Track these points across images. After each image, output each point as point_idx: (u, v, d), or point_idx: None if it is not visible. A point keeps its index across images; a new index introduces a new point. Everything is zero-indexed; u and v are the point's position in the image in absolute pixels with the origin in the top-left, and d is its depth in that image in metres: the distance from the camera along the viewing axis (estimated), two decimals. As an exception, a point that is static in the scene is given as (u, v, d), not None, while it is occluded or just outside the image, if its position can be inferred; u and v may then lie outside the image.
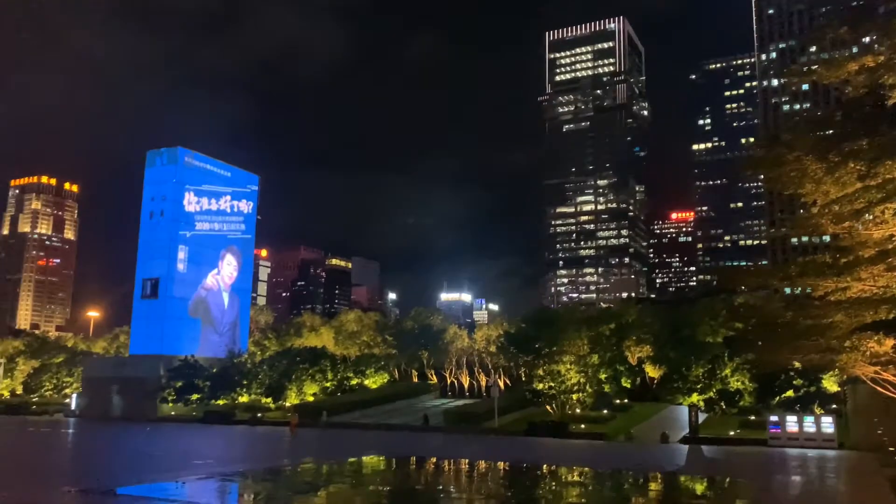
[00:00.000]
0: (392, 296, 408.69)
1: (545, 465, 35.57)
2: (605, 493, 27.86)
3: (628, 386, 70.95)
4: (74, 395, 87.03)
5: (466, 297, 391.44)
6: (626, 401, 67.81)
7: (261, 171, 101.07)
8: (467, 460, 37.29)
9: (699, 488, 28.76)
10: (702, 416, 59.43)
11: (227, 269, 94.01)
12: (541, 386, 63.24)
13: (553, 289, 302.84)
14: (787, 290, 67.19)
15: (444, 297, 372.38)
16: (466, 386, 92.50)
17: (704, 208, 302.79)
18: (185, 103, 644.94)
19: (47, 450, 43.05)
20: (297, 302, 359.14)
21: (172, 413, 76.77)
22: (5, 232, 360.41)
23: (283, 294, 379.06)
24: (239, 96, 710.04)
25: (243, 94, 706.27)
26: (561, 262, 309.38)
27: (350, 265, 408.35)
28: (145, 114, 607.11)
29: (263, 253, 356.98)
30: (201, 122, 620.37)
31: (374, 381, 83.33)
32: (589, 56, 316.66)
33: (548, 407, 63.02)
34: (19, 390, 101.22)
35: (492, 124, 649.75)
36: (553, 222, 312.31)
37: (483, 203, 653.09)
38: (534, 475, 32.34)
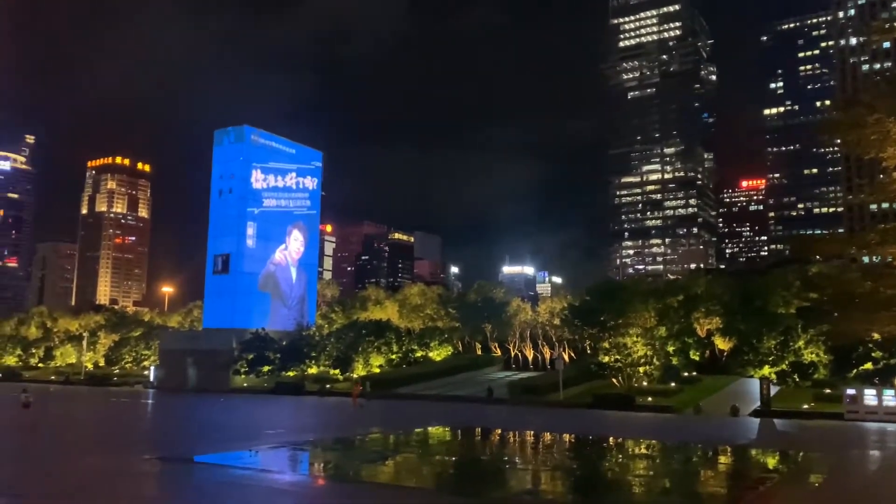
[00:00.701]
0: (454, 269, 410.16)
1: (611, 438, 35.34)
2: (673, 465, 27.51)
3: (696, 358, 69.62)
4: (152, 368, 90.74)
5: (529, 270, 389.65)
6: (694, 373, 66.65)
7: (324, 147, 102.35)
8: (532, 432, 37.34)
9: (771, 462, 28.09)
10: (774, 389, 57.89)
11: (294, 244, 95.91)
12: (606, 359, 62.71)
13: (618, 261, 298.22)
14: (865, 259, 64.48)
15: (507, 270, 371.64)
16: (530, 359, 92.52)
17: (776, 175, 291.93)
18: (249, 83, 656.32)
19: (128, 419, 45.14)
20: (362, 276, 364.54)
21: (245, 384, 79.25)
22: (84, 211, 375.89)
23: (348, 268, 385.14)
24: (301, 74, 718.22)
25: (305, 72, 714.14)
26: (626, 234, 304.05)
27: (412, 239, 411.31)
28: (212, 94, 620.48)
29: (328, 228, 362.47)
30: (266, 101, 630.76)
31: (438, 354, 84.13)
32: (654, 20, 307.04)
33: (613, 380, 62.49)
34: (102, 362, 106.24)
35: (553, 94, 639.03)
36: (618, 192, 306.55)
37: (545, 174, 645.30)
38: (600, 447, 32.19)
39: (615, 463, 27.44)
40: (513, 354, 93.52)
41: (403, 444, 31.71)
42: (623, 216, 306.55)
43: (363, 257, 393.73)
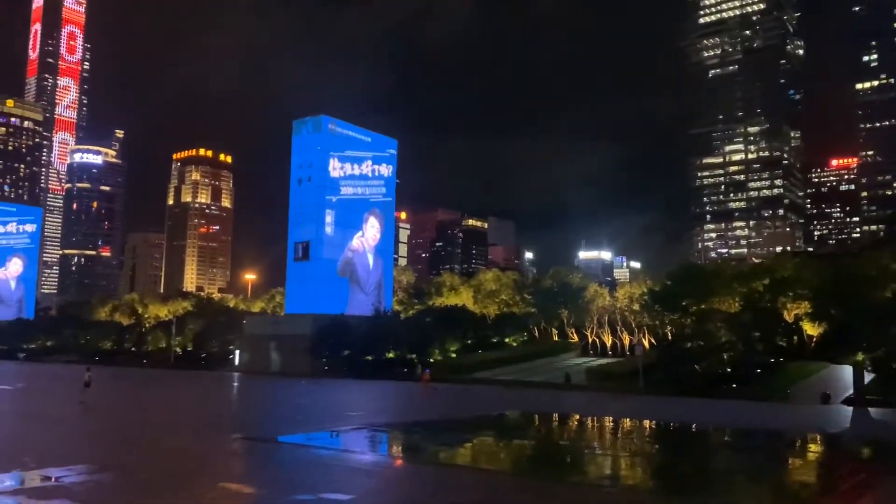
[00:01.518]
0: (528, 255, 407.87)
1: (694, 425, 34.45)
2: (760, 454, 26.59)
3: (783, 344, 66.97)
4: (237, 352, 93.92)
5: (606, 254, 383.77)
6: (780, 360, 64.18)
7: (398, 135, 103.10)
8: (612, 418, 36.79)
9: (865, 451, 26.79)
10: (868, 377, 55.16)
11: (371, 231, 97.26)
12: (688, 344, 61.13)
13: (700, 244, 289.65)
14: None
15: (583, 255, 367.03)
16: (609, 345, 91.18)
17: (870, 153, 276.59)
18: (326, 73, 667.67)
19: (216, 402, 46.92)
20: (436, 262, 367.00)
21: (325, 368, 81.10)
22: (170, 202, 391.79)
23: (422, 255, 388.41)
24: (376, 63, 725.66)
25: (380, 61, 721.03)
26: (708, 216, 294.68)
27: (486, 225, 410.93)
28: (291, 85, 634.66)
29: (403, 215, 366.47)
30: (342, 90, 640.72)
31: (513, 340, 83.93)
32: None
33: (696, 366, 60.86)
34: (190, 346, 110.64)
35: (630, 75, 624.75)
36: (699, 174, 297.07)
37: (622, 157, 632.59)
38: (681, 434, 31.42)
39: (698, 450, 26.72)
40: (590, 340, 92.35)
41: (481, 428, 31.79)
42: (704, 198, 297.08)
43: (437, 244, 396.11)
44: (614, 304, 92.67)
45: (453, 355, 78.20)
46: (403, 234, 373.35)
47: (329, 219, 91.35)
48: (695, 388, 54.15)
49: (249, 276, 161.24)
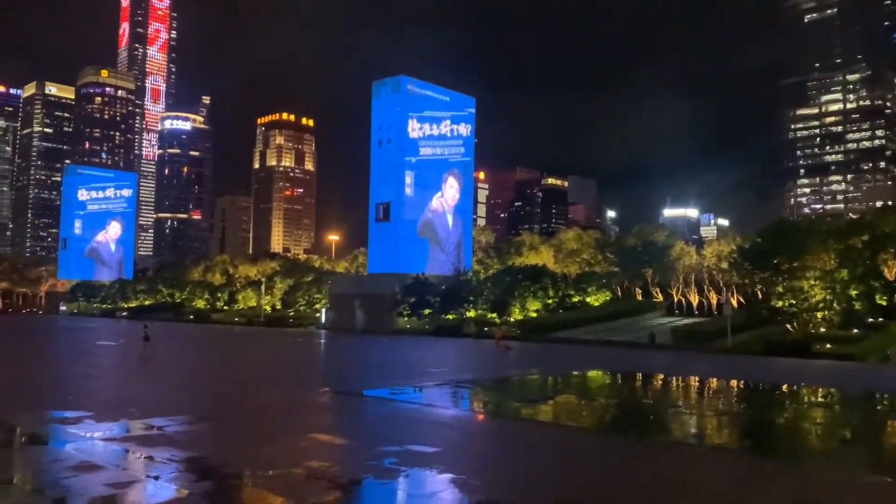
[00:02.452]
0: (610, 213, 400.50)
1: (785, 385, 33.34)
2: (856, 415, 25.53)
3: (884, 303, 63.56)
4: (323, 310, 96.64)
5: (692, 212, 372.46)
6: (880, 319, 61.07)
7: (476, 93, 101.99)
8: (698, 378, 36.04)
9: (976, 416, 25.30)
10: (978, 338, 51.88)
11: (450, 191, 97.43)
12: (780, 303, 58.98)
13: (792, 200, 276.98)
14: None
15: (668, 213, 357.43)
16: (695, 304, 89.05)
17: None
18: (405, 32, 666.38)
19: (304, 357, 48.56)
20: (515, 222, 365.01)
21: (407, 326, 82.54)
22: (256, 166, 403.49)
23: (501, 215, 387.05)
24: (454, 21, 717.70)
25: (457, 19, 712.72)
26: (802, 171, 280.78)
27: (566, 184, 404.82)
28: (370, 48, 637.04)
29: (481, 175, 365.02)
30: (420, 50, 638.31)
31: (595, 299, 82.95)
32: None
33: (788, 326, 58.76)
34: (278, 305, 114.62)
35: (718, 24, 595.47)
36: (792, 126, 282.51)
37: (709, 111, 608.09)
38: (772, 395, 30.46)
39: (789, 411, 25.87)
40: (675, 300, 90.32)
41: (562, 386, 31.74)
42: (798, 152, 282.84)
43: (516, 203, 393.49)
44: (701, 263, 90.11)
45: (534, 314, 78.08)
46: (482, 195, 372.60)
47: (409, 180, 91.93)
48: (786, 348, 52.31)
49: (333, 237, 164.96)
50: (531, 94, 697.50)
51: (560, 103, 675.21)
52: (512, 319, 77.08)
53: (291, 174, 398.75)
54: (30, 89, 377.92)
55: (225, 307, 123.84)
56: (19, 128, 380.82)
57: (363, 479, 12.52)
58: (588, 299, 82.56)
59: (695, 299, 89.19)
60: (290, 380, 31.54)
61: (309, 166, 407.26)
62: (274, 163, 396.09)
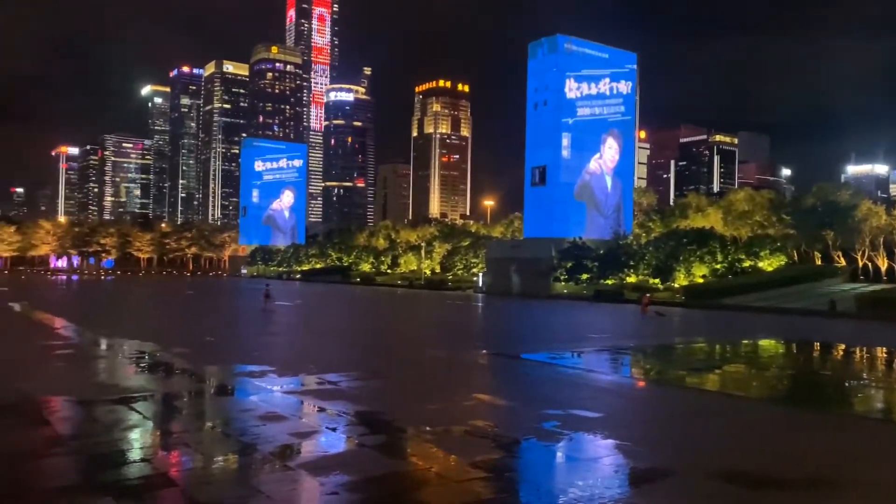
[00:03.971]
0: (786, 172, 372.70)
1: None
2: None
3: None
4: (480, 274, 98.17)
5: (881, 168, 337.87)
6: None
7: (636, 48, 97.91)
8: (885, 349, 33.06)
9: None
10: None
11: (609, 152, 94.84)
12: None
13: None
14: None
15: (852, 169, 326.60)
16: (883, 269, 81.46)
17: None
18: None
19: (463, 319, 49.76)
20: (679, 183, 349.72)
21: (564, 291, 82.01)
22: (414, 134, 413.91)
23: (664, 176, 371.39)
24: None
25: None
26: None
27: (736, 141, 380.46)
28: (526, 8, 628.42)
29: (642, 135, 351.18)
30: (576, 6, 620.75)
31: (768, 264, 77.97)
32: None
33: None
34: (437, 269, 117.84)
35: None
36: None
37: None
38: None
39: None
40: (861, 265, 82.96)
41: (730, 355, 30.34)
42: None
43: (680, 163, 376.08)
44: (892, 224, 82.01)
45: (700, 280, 74.79)
46: (643, 155, 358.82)
47: (566, 142, 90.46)
48: None
49: (488, 202, 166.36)
50: (696, 43, 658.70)
51: (729, 51, 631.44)
52: (676, 285, 74.31)
53: (448, 141, 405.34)
54: (210, 68, 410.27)
55: (388, 270, 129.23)
56: (202, 104, 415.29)
57: (526, 441, 12.78)
58: (760, 264, 77.79)
59: (883, 264, 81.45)
60: (451, 340, 32.53)
61: (465, 132, 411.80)
62: (431, 130, 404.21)
